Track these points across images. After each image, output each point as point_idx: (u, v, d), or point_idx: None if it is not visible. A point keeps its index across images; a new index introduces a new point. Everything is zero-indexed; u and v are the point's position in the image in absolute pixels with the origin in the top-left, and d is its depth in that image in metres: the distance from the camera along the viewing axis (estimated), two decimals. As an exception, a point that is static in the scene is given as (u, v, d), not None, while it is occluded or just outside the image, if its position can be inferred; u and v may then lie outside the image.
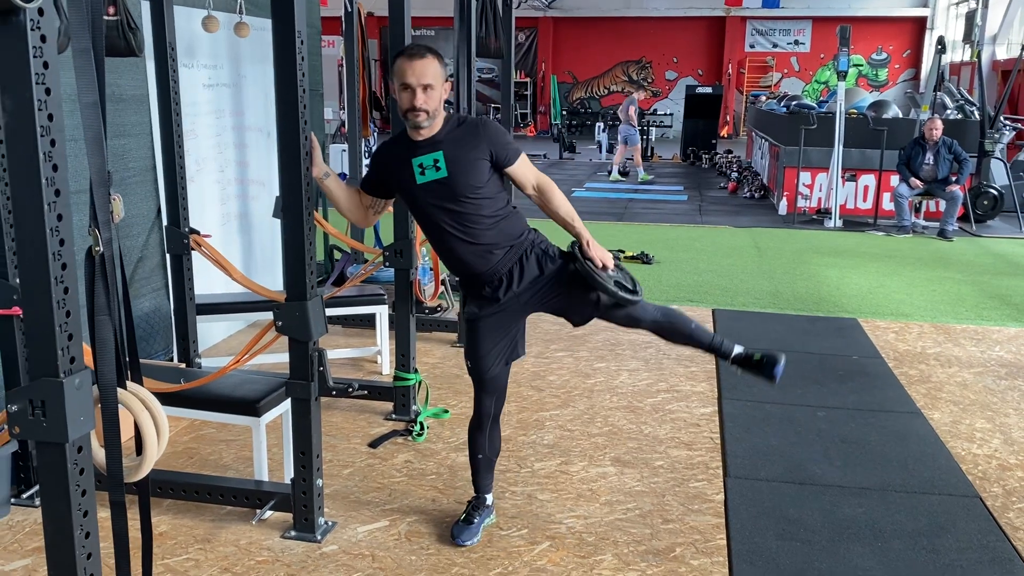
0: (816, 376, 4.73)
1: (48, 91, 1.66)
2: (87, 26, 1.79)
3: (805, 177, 10.56)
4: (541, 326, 5.64)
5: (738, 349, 3.09)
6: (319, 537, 3.00)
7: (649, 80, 25.16)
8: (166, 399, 3.06)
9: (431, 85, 2.66)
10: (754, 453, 3.76)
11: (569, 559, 2.92)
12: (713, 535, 3.09)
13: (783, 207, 10.64)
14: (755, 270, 7.50)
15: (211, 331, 4.91)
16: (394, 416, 4.05)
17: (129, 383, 2.00)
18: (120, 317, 1.96)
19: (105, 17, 3.48)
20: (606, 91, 25.45)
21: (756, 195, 12.20)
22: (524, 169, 2.85)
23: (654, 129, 23.37)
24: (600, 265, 2.84)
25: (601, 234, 8.75)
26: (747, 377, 3.14)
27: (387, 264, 3.92)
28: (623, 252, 7.88)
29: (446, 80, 2.74)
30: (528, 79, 25.25)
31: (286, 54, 2.70)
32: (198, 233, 4.11)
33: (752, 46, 24.45)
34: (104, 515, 1.91)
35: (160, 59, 3.91)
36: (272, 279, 5.44)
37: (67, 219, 1.73)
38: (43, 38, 1.64)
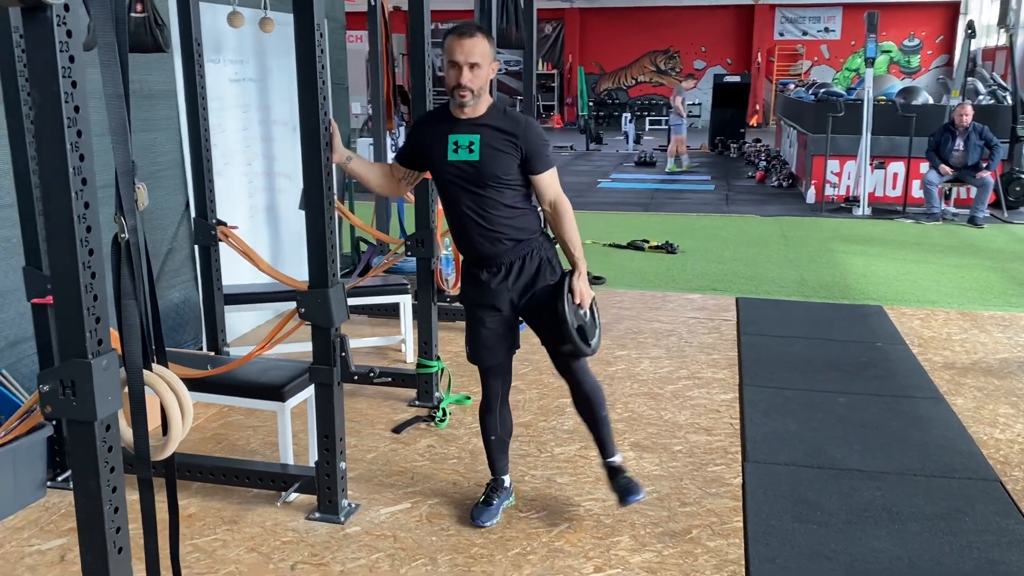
0: (838, 363, 4.73)
1: (74, 84, 1.74)
2: (111, 21, 1.86)
3: (833, 165, 10.48)
4: (564, 315, 5.68)
5: (615, 459, 3.12)
6: (342, 518, 3.08)
7: (677, 70, 25.01)
8: (194, 385, 3.16)
9: (478, 64, 2.70)
10: (773, 438, 3.78)
11: (586, 540, 2.97)
12: (730, 517, 3.12)
13: (811, 196, 10.57)
14: (780, 258, 7.48)
15: (239, 321, 5.02)
16: (417, 403, 4.12)
17: (155, 365, 2.08)
18: (146, 302, 2.04)
19: (133, 14, 3.60)
20: (633, 81, 25.37)
21: (784, 184, 12.12)
22: (549, 183, 2.86)
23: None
24: (577, 301, 2.88)
25: (626, 224, 8.81)
26: (611, 484, 3.13)
27: (409, 253, 3.99)
28: (647, 242, 7.90)
29: (494, 61, 2.78)
30: (555, 70, 25.24)
31: (306, 46, 2.77)
32: (225, 225, 4.20)
33: (781, 34, 24.23)
34: (133, 497, 1.99)
35: (187, 55, 4.00)
36: (299, 270, 5.49)
37: (94, 207, 1.81)
38: (69, 33, 1.71)
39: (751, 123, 23.13)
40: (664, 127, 19.57)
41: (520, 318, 3.01)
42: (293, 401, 3.25)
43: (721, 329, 5.34)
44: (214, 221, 4.18)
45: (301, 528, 3.04)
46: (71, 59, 1.72)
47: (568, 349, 2.93)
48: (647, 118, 23.30)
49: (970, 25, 11.17)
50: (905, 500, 3.23)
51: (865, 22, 9.78)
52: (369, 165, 3.07)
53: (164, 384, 2.04)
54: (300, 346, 4.55)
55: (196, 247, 4.29)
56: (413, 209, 3.99)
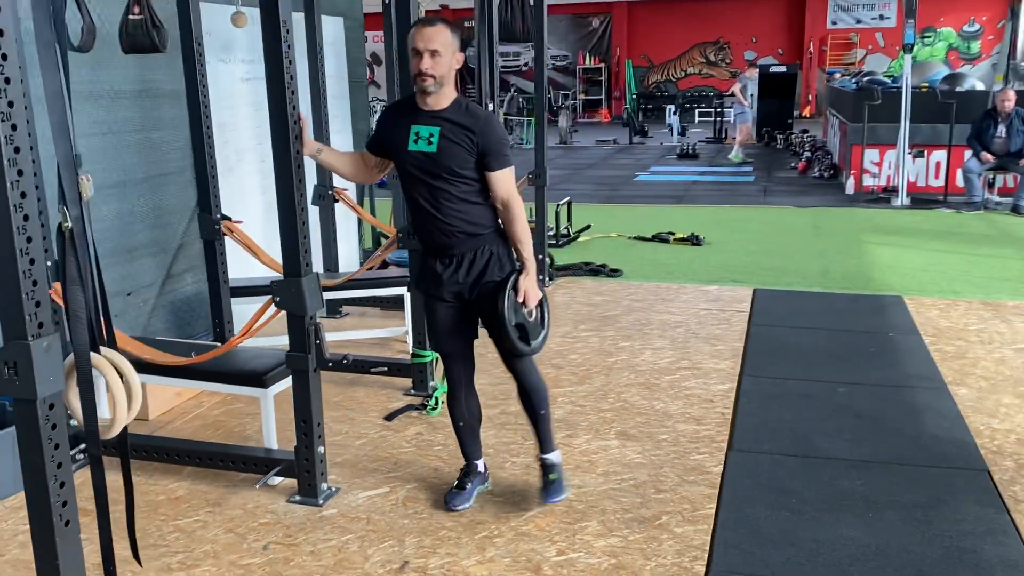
0: (845, 353, 4.67)
1: (8, 80, 1.83)
2: (49, 22, 1.96)
3: (873, 155, 10.26)
4: (573, 306, 5.71)
5: (550, 458, 3.14)
6: (321, 501, 3.17)
7: (727, 61, 24.69)
8: (181, 372, 3.29)
9: (438, 51, 2.74)
10: (762, 428, 3.76)
11: (555, 525, 3.00)
12: (703, 505, 3.12)
13: (850, 186, 10.36)
14: (808, 250, 7.37)
15: (247, 313, 5.14)
16: (412, 392, 4.20)
17: (104, 349, 2.18)
18: (94, 288, 2.14)
19: (130, 16, 3.75)
20: (683, 73, 25.10)
21: (826, 175, 11.90)
22: (502, 181, 2.88)
23: (731, 110, 23.09)
24: (521, 299, 2.90)
25: (656, 217, 8.77)
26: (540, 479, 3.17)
27: (401, 245, 4.06)
28: (672, 234, 7.86)
29: (458, 51, 2.82)
30: (602, 64, 25.13)
31: (273, 42, 2.85)
32: (230, 219, 4.33)
33: (835, 22, 23.68)
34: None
35: (187, 55, 4.13)
36: (316, 263, 5.65)
37: (30, 196, 1.91)
38: (0, 32, 1.81)
39: (804, 114, 22.73)
40: (709, 120, 19.39)
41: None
42: (276, 388, 3.35)
43: (731, 320, 5.30)
44: (218, 216, 4.31)
45: (280, 510, 3.14)
46: (4, 56, 1.82)
47: (506, 347, 2.96)
48: (696, 110, 23.06)
49: (1014, 10, 10.78)
50: (885, 489, 3.19)
51: (904, 6, 9.53)
52: (340, 155, 3.15)
53: (110, 366, 2.13)
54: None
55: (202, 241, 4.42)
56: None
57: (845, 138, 10.97)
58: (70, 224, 2.05)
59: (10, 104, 1.85)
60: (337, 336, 5.13)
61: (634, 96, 23.54)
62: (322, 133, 5.37)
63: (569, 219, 8.08)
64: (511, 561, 2.79)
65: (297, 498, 3.20)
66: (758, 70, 15.40)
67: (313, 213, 5.48)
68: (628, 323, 5.31)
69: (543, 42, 5.86)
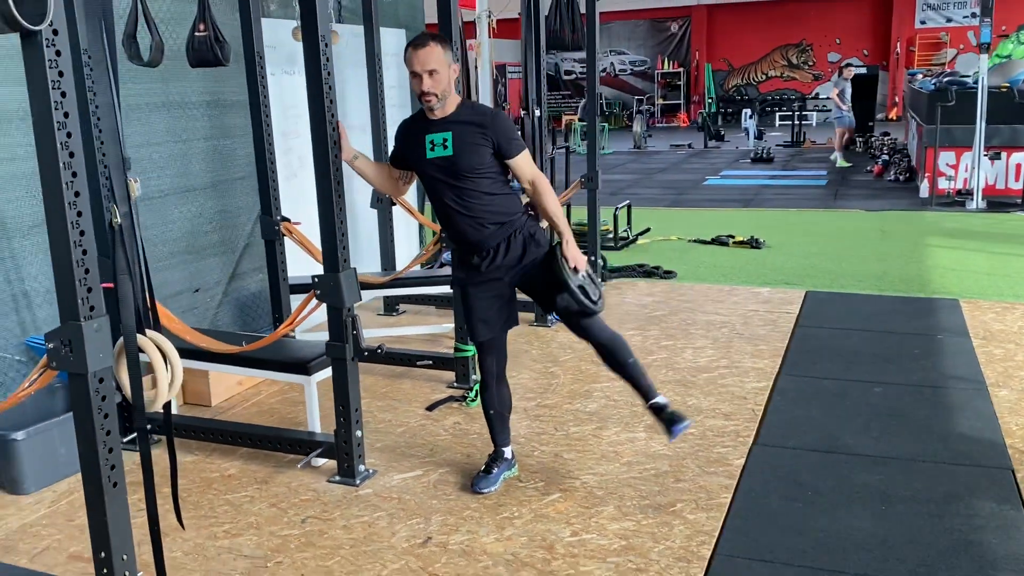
0: (889, 354, 4.67)
1: (64, 94, 2.11)
2: (100, 43, 2.24)
3: (948, 157, 10.02)
4: (623, 307, 5.83)
5: (658, 402, 3.23)
6: (358, 482, 3.40)
7: (810, 63, 24.29)
8: (231, 360, 3.57)
9: (435, 70, 2.97)
10: (790, 424, 3.83)
11: (573, 508, 3.16)
12: (719, 494, 3.23)
13: (924, 189, 10.14)
14: (869, 253, 7.29)
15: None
16: (455, 384, 4.40)
17: (149, 331, 2.44)
18: (141, 277, 2.40)
19: (196, 33, 4.07)
20: (764, 77, 24.79)
21: (901, 178, 11.66)
22: (523, 164, 3.10)
23: (814, 114, 22.67)
24: (572, 266, 3.06)
25: (721, 221, 8.79)
26: (658, 424, 3.28)
27: (445, 246, 4.27)
28: (732, 237, 7.88)
29: (454, 63, 3.04)
30: (681, 69, 25.01)
31: (313, 55, 3.10)
32: (289, 221, 4.63)
33: (923, 22, 23.01)
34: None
35: (250, 67, 4.45)
36: (375, 264, 5.94)
37: (83, 195, 2.17)
38: (58, 52, 2.08)
39: (890, 116, 22.16)
40: (789, 123, 19.10)
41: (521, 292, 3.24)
42: (319, 375, 3.60)
43: (778, 322, 5.34)
44: (278, 218, 4.61)
45: (320, 489, 3.38)
46: (60, 73, 2.10)
47: (575, 308, 3.10)
48: (776, 113, 22.74)
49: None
50: (903, 484, 3.23)
51: (979, 5, 9.31)
52: (372, 165, 3.38)
53: (153, 346, 2.40)
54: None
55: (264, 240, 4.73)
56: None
57: (921, 140, 10.74)
58: (119, 220, 2.32)
59: (66, 115, 2.13)
60: (391, 332, 5.40)
61: (710, 100, 23.38)
62: (380, 140, 5.65)
63: (628, 222, 8.19)
64: (527, 540, 2.96)
65: (336, 478, 3.44)
66: (853, 71, 15.04)
67: (373, 216, 5.78)
68: (674, 323, 5.41)
69: (595, 51, 6.00)
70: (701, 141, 18.08)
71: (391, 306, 5.89)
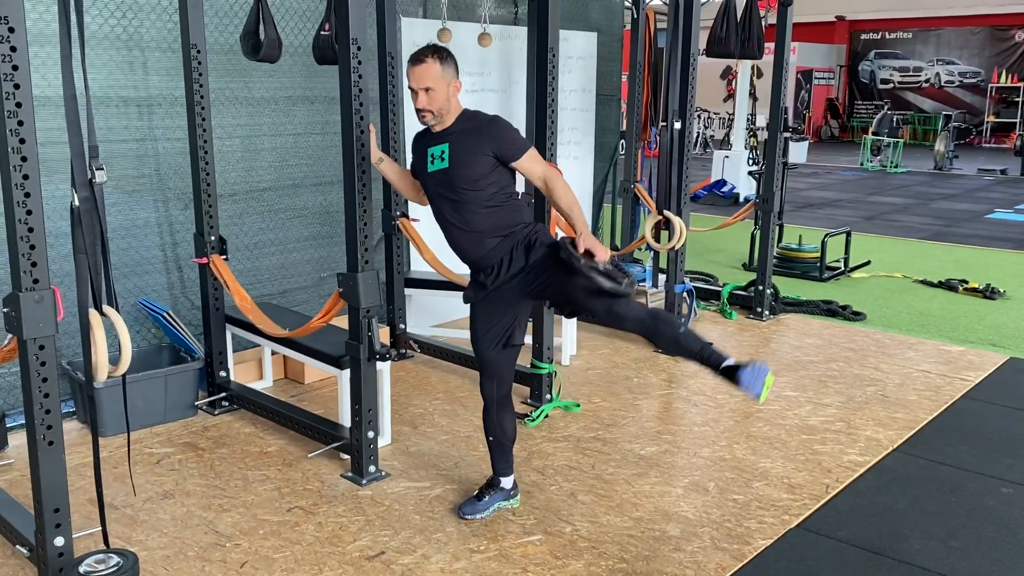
0: (1057, 451, 3.77)
1: (16, 86, 2.33)
2: (66, 38, 2.44)
3: None
4: (770, 346, 5.27)
5: (730, 361, 2.73)
6: (364, 482, 3.42)
7: None
8: (279, 340, 3.76)
9: (431, 87, 2.88)
10: (857, 511, 3.23)
11: (539, 556, 2.93)
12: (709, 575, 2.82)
13: None
14: None
15: (416, 300, 5.28)
16: (527, 401, 4.26)
17: (105, 307, 2.63)
18: (99, 256, 2.59)
19: (322, 32, 4.29)
20: None
21: None
22: (530, 164, 2.92)
23: None
24: (583, 251, 2.75)
25: (974, 261, 7.69)
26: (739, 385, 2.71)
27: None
28: (965, 282, 6.78)
29: (454, 80, 2.91)
30: (1021, 83, 21.87)
31: (344, 64, 3.14)
32: (407, 216, 4.74)
33: None
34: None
35: (382, 67, 4.60)
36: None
37: (33, 179, 2.39)
38: (13, 48, 2.31)
39: None
40: None
41: (538, 300, 3.09)
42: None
43: (942, 389, 4.52)
44: (397, 213, 4.74)
45: (329, 482, 3.45)
46: (14, 67, 2.32)
47: (595, 298, 2.76)
48: None
49: None
50: (939, 615, 2.60)
51: None
52: (397, 170, 3.33)
53: (99, 321, 2.58)
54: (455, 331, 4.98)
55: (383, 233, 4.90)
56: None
57: None
58: (77, 204, 2.53)
59: (18, 104, 2.35)
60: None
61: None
62: (547, 144, 5.57)
63: (847, 251, 7.36)
64: (470, 577, 2.80)
65: (348, 474, 3.49)
66: None
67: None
68: (816, 372, 4.78)
69: (784, 61, 5.45)
70: (1019, 167, 15.72)
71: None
